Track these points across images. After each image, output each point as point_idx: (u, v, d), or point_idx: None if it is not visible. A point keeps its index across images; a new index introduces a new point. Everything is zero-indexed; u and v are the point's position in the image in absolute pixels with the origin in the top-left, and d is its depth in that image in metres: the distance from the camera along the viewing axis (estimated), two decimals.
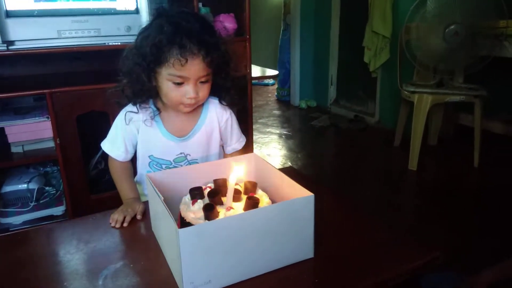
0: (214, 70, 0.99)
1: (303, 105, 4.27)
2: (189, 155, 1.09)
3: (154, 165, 1.09)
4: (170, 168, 1.08)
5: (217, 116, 1.11)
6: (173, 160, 1.09)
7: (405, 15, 2.62)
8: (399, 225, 1.93)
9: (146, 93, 1.00)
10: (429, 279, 0.92)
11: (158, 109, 1.05)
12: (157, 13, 0.98)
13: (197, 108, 1.06)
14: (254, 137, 3.08)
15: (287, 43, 4.35)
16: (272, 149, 3.12)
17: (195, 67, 0.94)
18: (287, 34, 4.34)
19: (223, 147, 1.18)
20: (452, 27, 2.37)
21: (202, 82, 0.98)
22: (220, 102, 1.11)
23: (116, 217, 0.93)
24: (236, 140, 1.18)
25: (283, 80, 4.51)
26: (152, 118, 1.04)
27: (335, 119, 3.76)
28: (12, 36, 1.47)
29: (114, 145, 1.07)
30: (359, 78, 3.81)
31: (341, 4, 3.85)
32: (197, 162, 1.09)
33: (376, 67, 3.38)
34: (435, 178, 2.51)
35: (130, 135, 1.06)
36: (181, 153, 1.08)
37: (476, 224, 1.97)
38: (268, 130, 3.59)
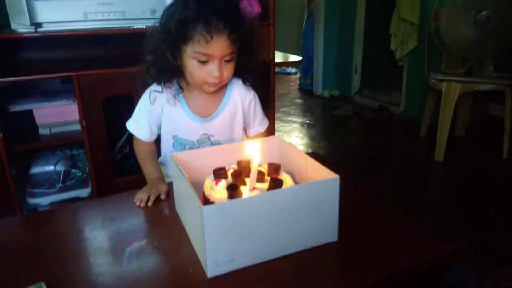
0: (239, 49, 0.98)
1: (326, 94, 4.22)
2: (212, 136, 1.09)
3: (178, 146, 1.10)
4: (193, 148, 1.08)
5: (241, 97, 1.10)
6: (197, 141, 1.09)
7: (434, 1, 2.54)
8: (424, 216, 1.89)
9: (171, 71, 1.00)
10: (452, 274, 0.90)
11: (181, 88, 1.05)
12: None
13: (220, 88, 1.06)
14: (276, 126, 3.06)
15: (311, 31, 4.28)
16: (294, 137, 3.10)
17: (220, 45, 0.93)
18: (311, 21, 4.27)
19: (245, 130, 1.18)
20: (484, 12, 2.28)
21: (226, 61, 0.97)
22: (244, 83, 1.10)
23: (141, 196, 0.94)
24: (259, 123, 1.17)
25: (306, 68, 4.45)
26: (175, 97, 1.04)
27: (358, 108, 3.70)
28: (40, 18, 1.49)
29: (139, 125, 1.08)
30: (384, 67, 3.72)
31: None
32: (220, 144, 1.09)
33: (402, 55, 3.29)
34: (462, 170, 2.44)
35: (154, 115, 1.07)
36: (204, 134, 1.08)
37: (504, 218, 1.91)
38: (290, 119, 3.56)
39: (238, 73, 1.06)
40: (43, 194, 1.75)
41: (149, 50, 0.99)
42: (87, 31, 1.59)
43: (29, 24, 1.47)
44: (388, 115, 3.49)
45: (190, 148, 1.09)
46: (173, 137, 1.09)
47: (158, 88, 1.04)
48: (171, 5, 0.97)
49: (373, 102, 3.81)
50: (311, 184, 0.71)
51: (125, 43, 1.83)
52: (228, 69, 0.99)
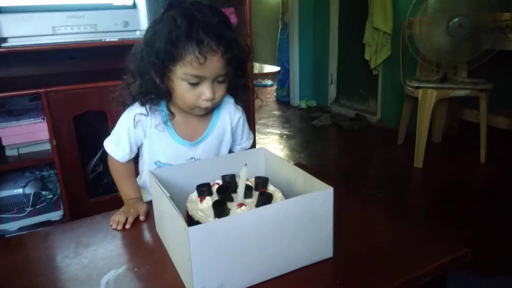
0: (233, 68, 0.89)
1: (303, 105, 4.22)
2: (199, 159, 1.01)
3: None
4: None
5: (230, 117, 1.03)
6: None
7: (406, 10, 2.58)
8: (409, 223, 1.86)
9: (156, 93, 0.91)
10: (455, 282, 0.87)
11: (171, 113, 0.96)
12: (168, 5, 0.87)
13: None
14: (255, 138, 3.02)
15: (285, 43, 4.31)
16: (274, 149, 3.06)
17: (213, 65, 0.84)
18: (285, 33, 4.29)
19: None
20: (456, 19, 2.32)
21: (219, 81, 0.89)
22: (236, 102, 1.03)
23: (117, 218, 0.87)
24: (246, 139, 1.11)
25: (282, 80, 4.46)
26: (165, 123, 0.96)
27: (336, 118, 3.71)
28: (4, 33, 1.41)
29: (119, 147, 0.98)
30: (359, 76, 3.76)
31: (340, 1, 3.80)
32: None
33: (377, 64, 3.33)
34: (442, 175, 2.45)
35: (136, 138, 0.98)
36: (191, 158, 1.00)
37: (486, 220, 1.91)
38: (268, 130, 3.53)
39: (230, 92, 0.99)
40: (12, 219, 1.64)
41: (133, 72, 0.91)
42: (56, 45, 1.52)
43: None
44: (366, 123, 3.51)
45: None
46: (156, 163, 1.00)
47: (143, 110, 0.94)
48: (156, 22, 0.87)
49: (350, 111, 3.83)
50: (303, 197, 0.67)
51: (97, 57, 1.76)
52: (221, 90, 0.90)
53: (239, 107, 1.05)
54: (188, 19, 0.82)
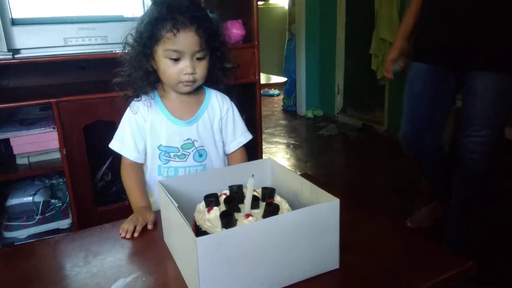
0: (210, 48, 1.01)
1: (310, 114, 4.23)
2: (196, 141, 1.08)
3: (163, 156, 1.07)
4: (179, 156, 1.07)
5: (219, 106, 1.12)
6: (181, 147, 1.07)
7: None
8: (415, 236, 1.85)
9: (147, 78, 1.03)
10: None
11: (160, 96, 1.08)
12: (153, 1, 1.04)
13: (200, 93, 1.10)
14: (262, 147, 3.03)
15: (292, 53, 4.33)
16: (280, 158, 3.07)
17: (188, 40, 0.96)
18: (292, 43, 4.33)
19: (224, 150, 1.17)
20: None
21: (198, 58, 1.00)
22: (219, 87, 1.12)
23: (126, 227, 0.88)
24: (241, 134, 1.16)
25: (289, 90, 4.48)
26: (152, 98, 1.06)
27: (343, 128, 3.71)
28: (17, 44, 1.44)
29: (123, 143, 1.06)
30: (366, 87, 3.77)
31: (346, 12, 3.83)
32: (205, 150, 1.09)
33: (384, 75, 3.33)
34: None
35: (138, 126, 1.05)
36: (188, 139, 1.07)
37: (492, 233, 1.89)
38: (275, 140, 3.54)
39: (211, 75, 1.07)
40: (21, 227, 1.65)
41: (126, 61, 1.03)
42: (68, 56, 1.55)
43: (6, 50, 1.42)
44: (372, 134, 3.51)
45: (176, 155, 1.07)
46: (158, 148, 1.07)
47: (138, 103, 1.06)
48: (142, 17, 1.02)
49: (356, 121, 3.83)
50: (310, 209, 0.67)
51: (106, 68, 1.79)
52: (201, 68, 1.01)
53: (227, 98, 1.14)
54: (165, 6, 0.97)
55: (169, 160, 1.07)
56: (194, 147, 1.08)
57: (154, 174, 1.09)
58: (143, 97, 1.05)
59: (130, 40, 1.03)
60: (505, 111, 1.50)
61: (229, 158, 1.17)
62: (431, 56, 1.62)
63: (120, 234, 0.88)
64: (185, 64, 0.98)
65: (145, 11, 1.04)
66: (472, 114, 1.51)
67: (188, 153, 1.07)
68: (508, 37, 1.44)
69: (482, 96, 1.48)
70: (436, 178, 1.92)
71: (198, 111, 1.09)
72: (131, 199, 1.03)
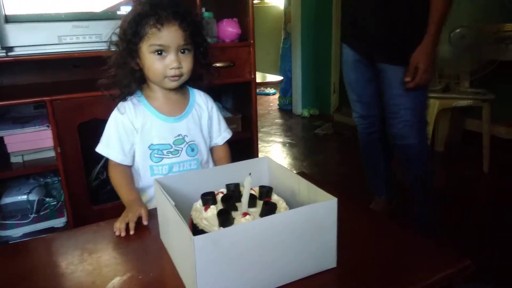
0: (194, 43, 1.03)
1: (306, 113, 4.23)
2: (186, 136, 1.10)
3: (154, 155, 1.07)
4: (172, 152, 1.08)
5: (205, 104, 1.15)
6: (173, 143, 1.08)
7: None
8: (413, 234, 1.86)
9: (132, 77, 1.04)
10: None
11: (146, 97, 1.09)
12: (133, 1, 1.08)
13: (184, 92, 1.13)
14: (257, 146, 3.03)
15: (288, 52, 4.33)
16: (276, 157, 3.07)
17: (172, 34, 0.98)
18: (288, 42, 4.32)
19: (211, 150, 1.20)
20: (458, 30, 2.34)
21: (182, 52, 1.01)
22: (202, 84, 1.14)
23: (118, 225, 0.88)
24: (225, 129, 1.20)
25: (284, 89, 4.47)
26: (138, 99, 1.07)
27: (338, 127, 3.72)
28: (11, 42, 1.42)
29: (109, 145, 1.06)
30: None
31: (342, 10, 3.83)
32: (196, 145, 1.11)
33: None
34: (445, 185, 2.45)
35: (125, 128, 1.05)
36: (179, 135, 1.09)
37: (489, 231, 1.90)
38: (271, 139, 3.54)
39: (196, 72, 1.09)
40: (15, 226, 1.64)
41: (112, 61, 1.04)
42: (62, 54, 1.53)
43: (0, 48, 1.40)
44: None
45: (168, 152, 1.08)
46: (149, 147, 1.07)
47: (124, 104, 1.07)
48: (125, 15, 1.04)
49: (352, 120, 3.83)
50: (308, 208, 0.67)
51: (101, 66, 1.78)
52: (186, 62, 1.03)
53: (208, 96, 1.18)
54: (148, 3, 0.99)
55: (162, 158, 1.07)
56: (185, 142, 1.09)
57: (146, 175, 1.08)
58: (129, 98, 1.07)
59: (115, 39, 1.04)
60: (417, 97, 1.63)
61: (215, 150, 1.21)
62: (353, 44, 1.78)
63: (115, 233, 0.88)
64: (170, 58, 1.00)
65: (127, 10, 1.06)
66: (392, 102, 1.66)
67: (180, 149, 1.09)
68: (407, 32, 1.56)
69: (395, 86, 1.62)
70: (379, 164, 2.04)
71: (187, 107, 1.12)
72: (121, 195, 1.03)
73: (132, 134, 1.06)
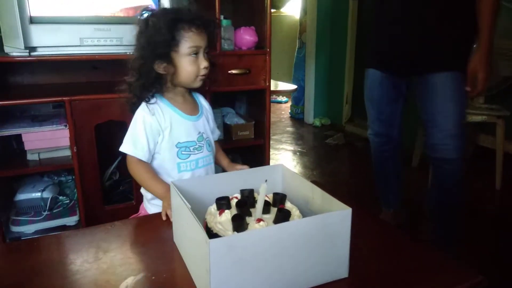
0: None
1: (317, 123, 4.24)
2: (204, 133, 1.17)
3: (181, 152, 1.12)
4: (197, 148, 1.14)
5: (205, 102, 1.24)
6: (197, 140, 1.15)
7: None
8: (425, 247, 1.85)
9: (153, 84, 1.08)
10: None
11: (167, 99, 1.14)
12: (142, 15, 1.10)
13: (189, 94, 1.20)
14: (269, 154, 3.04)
15: (302, 61, 4.35)
16: (286, 165, 3.06)
17: (203, 36, 1.07)
18: (302, 52, 4.34)
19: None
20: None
21: (206, 53, 1.10)
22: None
23: (169, 212, 0.94)
24: (216, 127, 1.29)
25: (297, 97, 4.49)
26: (157, 97, 1.12)
27: (350, 137, 3.71)
28: (34, 42, 1.46)
29: (137, 146, 1.08)
30: None
31: (358, 22, 3.84)
32: (210, 140, 1.20)
33: None
34: None
35: (152, 128, 1.09)
36: (199, 132, 1.16)
37: (501, 248, 1.88)
38: (282, 147, 3.55)
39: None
40: (28, 222, 1.67)
41: (134, 70, 1.07)
42: (83, 55, 1.57)
43: (23, 47, 1.44)
44: None
45: (194, 148, 1.14)
46: (177, 146, 1.12)
47: (149, 107, 1.10)
48: (142, 31, 1.07)
49: (364, 131, 3.81)
50: (322, 217, 0.68)
51: (120, 68, 1.81)
52: (208, 61, 1.11)
53: (204, 97, 1.26)
54: (173, 12, 1.08)
55: (189, 155, 1.14)
56: (203, 139, 1.17)
57: (174, 173, 1.13)
58: (155, 100, 1.11)
59: (137, 53, 1.08)
60: (461, 104, 1.59)
61: None
62: (384, 64, 1.78)
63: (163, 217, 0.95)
64: (201, 59, 1.08)
65: (141, 26, 1.09)
66: (435, 111, 1.61)
67: (202, 145, 1.16)
68: (453, 36, 1.54)
69: (440, 93, 1.58)
70: (390, 179, 2.03)
71: (200, 107, 1.21)
72: (153, 187, 1.07)
73: (158, 134, 1.10)
